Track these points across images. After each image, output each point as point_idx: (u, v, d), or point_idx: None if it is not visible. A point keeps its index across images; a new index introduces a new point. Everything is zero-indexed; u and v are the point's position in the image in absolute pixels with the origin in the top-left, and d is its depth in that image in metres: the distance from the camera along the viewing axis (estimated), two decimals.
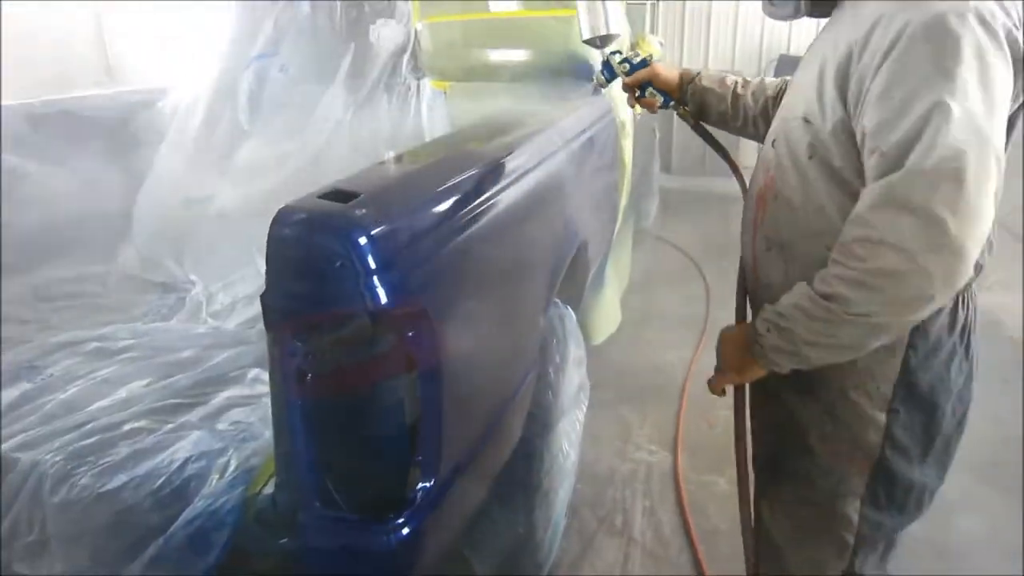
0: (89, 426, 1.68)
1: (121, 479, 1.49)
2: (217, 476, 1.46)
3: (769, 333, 1.23)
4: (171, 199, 2.80)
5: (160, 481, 1.46)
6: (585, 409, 2.55)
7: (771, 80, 1.70)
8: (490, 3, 3.12)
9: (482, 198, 1.56)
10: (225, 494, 1.41)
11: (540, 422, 2.02)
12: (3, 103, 2.83)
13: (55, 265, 2.63)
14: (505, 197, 1.69)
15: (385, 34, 2.91)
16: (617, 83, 1.89)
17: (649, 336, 3.87)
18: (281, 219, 1.15)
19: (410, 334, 1.25)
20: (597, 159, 2.70)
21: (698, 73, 1.77)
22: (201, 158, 2.84)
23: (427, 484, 1.35)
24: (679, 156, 7.68)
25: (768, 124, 1.57)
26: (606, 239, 3.00)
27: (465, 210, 1.49)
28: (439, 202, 1.43)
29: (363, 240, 1.15)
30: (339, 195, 1.21)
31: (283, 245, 1.16)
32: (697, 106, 1.77)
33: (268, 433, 1.46)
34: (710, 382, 1.48)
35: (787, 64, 6.81)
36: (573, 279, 2.39)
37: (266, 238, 1.16)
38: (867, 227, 1.06)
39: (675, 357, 3.76)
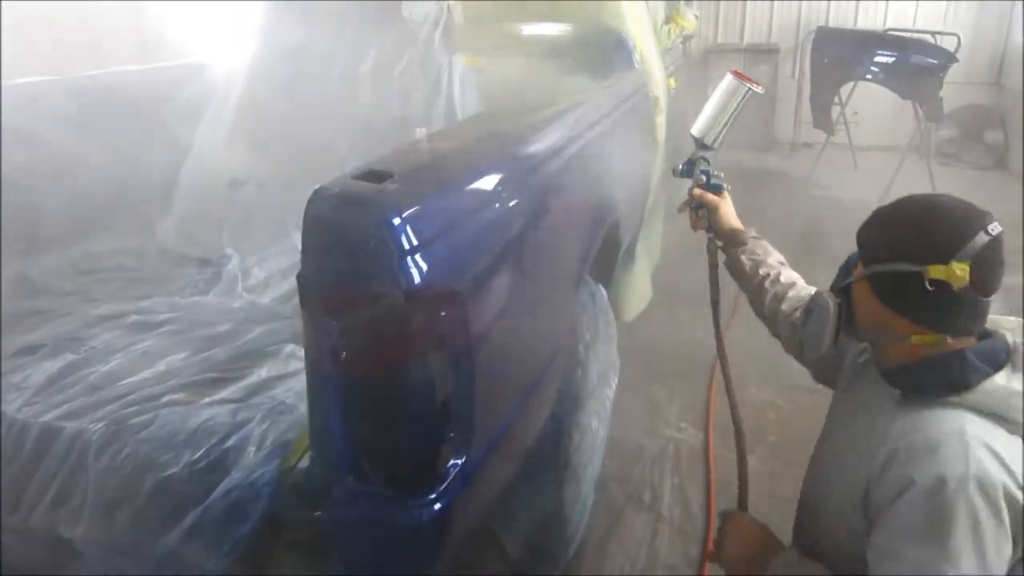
0: (131, 397, 1.73)
1: (162, 449, 1.53)
2: (254, 449, 1.49)
3: None
4: (214, 180, 2.83)
5: (199, 452, 1.50)
6: (615, 386, 2.56)
7: (793, 295, 1.66)
8: None
9: (514, 177, 1.56)
10: (261, 467, 1.44)
11: (570, 399, 2.03)
12: (41, 79, 2.88)
13: (94, 238, 2.68)
14: (538, 176, 1.69)
15: (418, 9, 2.89)
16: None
17: (680, 313, 3.85)
18: (316, 199, 1.17)
19: (442, 313, 1.26)
20: (630, 136, 2.68)
21: (747, 240, 1.75)
22: (241, 136, 2.86)
23: (458, 460, 1.37)
24: None
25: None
26: (638, 216, 2.98)
27: (497, 189, 1.49)
28: (471, 182, 1.43)
29: (396, 220, 1.16)
30: (373, 175, 1.23)
31: (318, 225, 1.18)
32: (729, 262, 1.80)
33: (303, 408, 1.49)
34: (711, 555, 1.58)
35: (825, 37, 6.64)
36: (604, 256, 2.39)
37: (302, 217, 1.18)
38: None
39: (705, 334, 3.73)
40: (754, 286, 1.72)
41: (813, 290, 1.62)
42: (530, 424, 1.80)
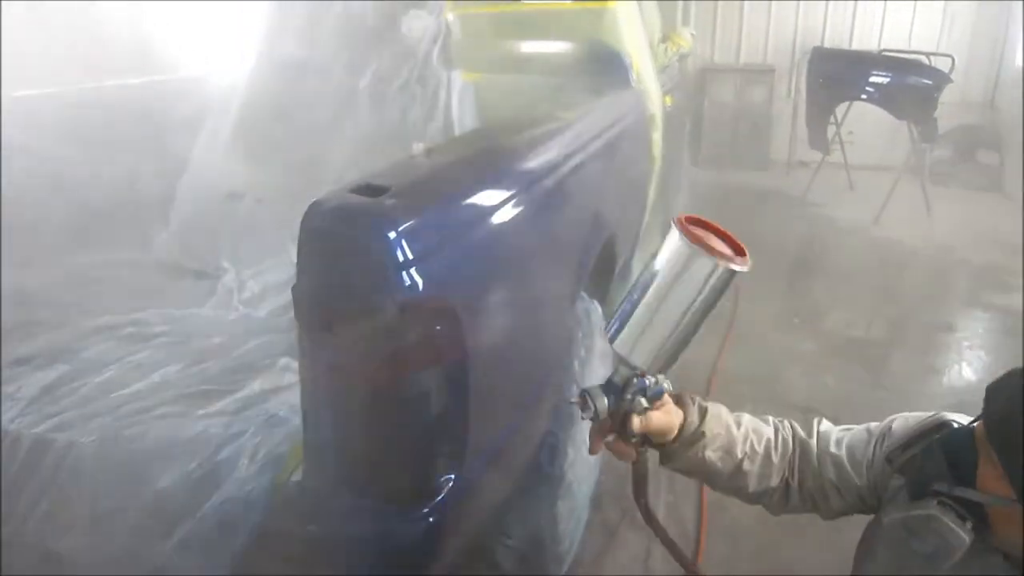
0: (124, 409, 1.72)
1: (154, 462, 1.52)
2: (247, 462, 1.49)
3: None
4: (212, 193, 2.84)
5: (192, 465, 1.49)
6: None
7: (778, 461, 1.30)
8: None
9: (510, 192, 1.57)
10: (254, 480, 1.44)
11: (565, 415, 2.03)
12: (40, 91, 2.90)
13: (92, 250, 2.67)
14: (533, 191, 1.70)
15: (416, 25, 2.92)
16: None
17: None
18: (312, 213, 1.17)
19: (437, 327, 1.26)
20: (626, 152, 2.69)
21: (706, 430, 1.25)
22: (239, 150, 2.87)
23: (452, 474, 1.37)
24: (709, 150, 7.63)
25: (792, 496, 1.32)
26: (634, 232, 2.99)
27: (493, 204, 1.49)
28: (467, 196, 1.44)
29: (392, 234, 1.16)
30: (369, 189, 1.23)
31: (314, 238, 1.18)
32: (684, 468, 1.29)
33: (297, 421, 1.49)
34: None
35: (821, 57, 6.69)
36: (600, 273, 2.39)
37: (298, 230, 1.18)
38: None
39: (701, 353, 3.74)
40: (730, 475, 1.30)
41: (794, 431, 1.34)
42: (525, 439, 1.80)
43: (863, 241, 5.53)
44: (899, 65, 6.10)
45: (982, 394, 1.06)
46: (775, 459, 1.30)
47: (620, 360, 1.12)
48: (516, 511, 1.80)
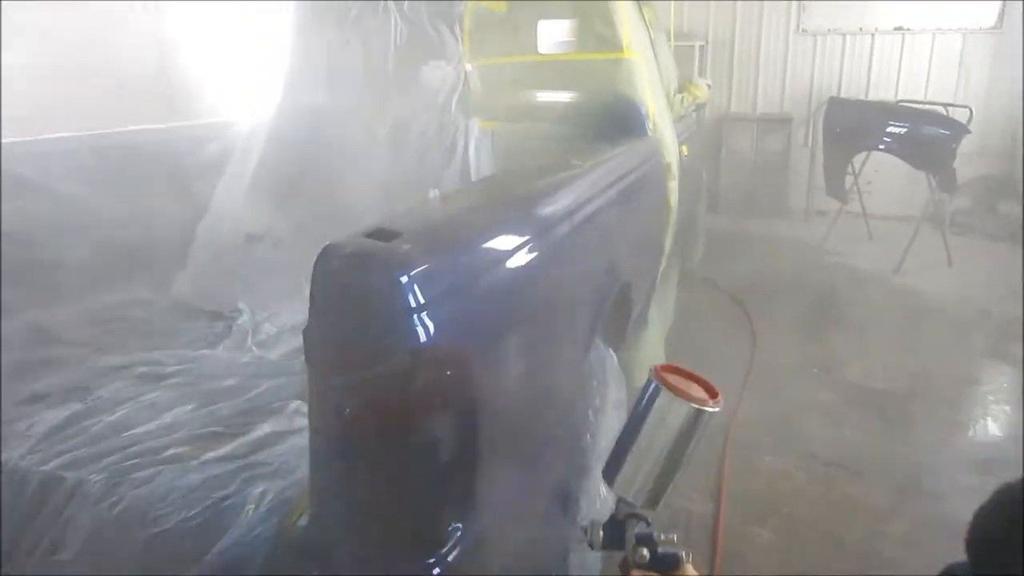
0: (133, 449, 1.72)
1: (161, 503, 1.51)
2: (252, 507, 1.47)
3: None
4: (231, 235, 2.88)
5: (196, 510, 1.48)
6: None
7: None
8: (539, 46, 3.17)
9: (524, 239, 1.57)
10: (259, 525, 1.43)
11: (578, 465, 2.00)
12: (67, 134, 2.97)
13: (109, 290, 2.71)
14: (548, 238, 1.70)
15: (436, 75, 2.97)
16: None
17: None
18: (325, 256, 1.17)
19: (448, 373, 1.25)
20: (643, 201, 2.70)
21: None
22: (259, 194, 2.92)
23: (461, 524, 1.34)
24: (726, 197, 7.65)
25: None
26: (650, 280, 2.98)
27: (507, 250, 1.49)
28: (481, 242, 1.44)
29: (404, 279, 1.16)
30: (383, 234, 1.23)
31: (326, 281, 1.18)
32: None
33: (305, 466, 1.47)
34: None
35: (837, 107, 6.73)
36: (616, 320, 2.38)
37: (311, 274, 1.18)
38: None
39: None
40: None
41: None
42: (537, 489, 1.77)
43: (883, 291, 5.47)
44: (916, 115, 6.11)
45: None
46: None
47: (620, 499, 1.18)
48: (527, 562, 1.76)
